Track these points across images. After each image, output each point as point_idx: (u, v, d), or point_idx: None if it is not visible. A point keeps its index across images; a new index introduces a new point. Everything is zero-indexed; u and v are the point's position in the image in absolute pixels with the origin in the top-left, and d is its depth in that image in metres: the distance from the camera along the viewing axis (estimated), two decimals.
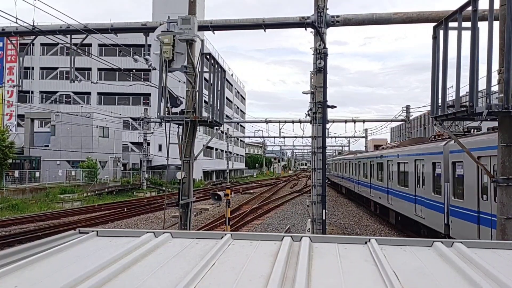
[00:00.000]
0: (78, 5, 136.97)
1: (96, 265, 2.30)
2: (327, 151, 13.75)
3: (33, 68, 57.17)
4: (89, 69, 53.38)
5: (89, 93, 57.62)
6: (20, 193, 30.85)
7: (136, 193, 41.08)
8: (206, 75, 10.70)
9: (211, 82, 10.47)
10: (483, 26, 7.20)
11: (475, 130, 13.13)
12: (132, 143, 54.50)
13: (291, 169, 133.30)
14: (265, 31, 12.12)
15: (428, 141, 15.97)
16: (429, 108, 14.12)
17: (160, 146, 51.08)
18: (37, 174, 37.17)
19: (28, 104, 48.14)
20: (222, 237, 2.90)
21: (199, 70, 10.13)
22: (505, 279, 2.10)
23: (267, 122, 40.20)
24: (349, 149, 64.11)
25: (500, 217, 7.01)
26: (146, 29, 12.44)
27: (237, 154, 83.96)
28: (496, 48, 6.81)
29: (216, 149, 68.15)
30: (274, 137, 50.63)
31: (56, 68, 57.77)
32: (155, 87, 11.38)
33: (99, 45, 47.74)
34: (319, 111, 11.81)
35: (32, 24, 12.43)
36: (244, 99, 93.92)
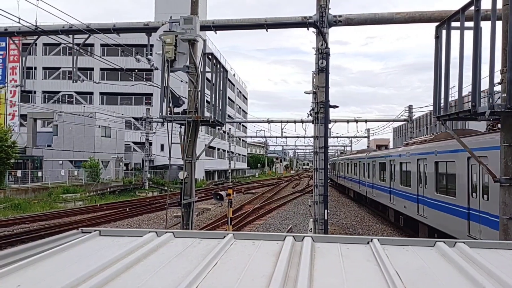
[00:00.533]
0: (79, 4, 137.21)
1: (98, 264, 2.31)
2: (329, 151, 13.74)
3: (35, 68, 57.31)
4: (92, 69, 53.51)
5: (91, 93, 57.74)
6: (23, 192, 30.93)
7: (138, 193, 41.15)
8: (208, 75, 10.71)
9: (213, 82, 10.48)
10: (485, 26, 7.19)
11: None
12: (134, 143, 54.59)
13: (293, 169, 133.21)
14: (267, 31, 12.12)
15: (485, 132, 11.30)
16: (431, 108, 14.07)
17: (162, 146, 51.14)
18: (39, 174, 37.26)
19: (31, 104, 48.23)
20: (224, 237, 2.91)
21: (201, 70, 10.14)
22: (507, 279, 2.10)
23: (269, 122, 40.21)
24: (351, 149, 64.01)
25: (502, 217, 7.00)
26: (148, 29, 12.46)
27: (239, 154, 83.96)
28: (498, 48, 6.80)
29: (218, 149, 68.18)
30: (276, 137, 50.61)
31: (58, 68, 57.93)
32: (157, 87, 11.39)
33: (102, 45, 47.83)
34: (321, 111, 11.80)
35: (34, 24, 12.46)
36: (246, 99, 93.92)
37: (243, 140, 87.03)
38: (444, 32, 7.89)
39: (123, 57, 44.04)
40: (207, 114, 10.62)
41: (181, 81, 17.34)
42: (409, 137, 34.04)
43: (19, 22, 12.10)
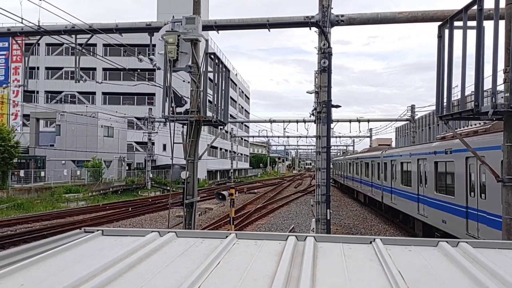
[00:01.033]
0: (81, 4, 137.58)
1: (101, 264, 2.31)
2: (331, 150, 13.70)
3: (38, 68, 57.45)
4: (94, 69, 53.58)
5: (94, 93, 57.83)
6: (26, 192, 31.03)
7: (140, 192, 41.21)
8: (211, 75, 10.72)
9: (216, 81, 10.48)
10: (488, 25, 7.17)
11: None
12: (137, 142, 54.67)
13: (296, 169, 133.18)
14: (269, 30, 12.13)
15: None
16: (434, 108, 13.99)
17: (164, 146, 51.18)
18: (42, 174, 37.34)
19: (34, 104, 48.41)
20: (226, 237, 2.91)
21: (204, 69, 10.14)
22: (511, 279, 2.09)
23: (271, 121, 40.21)
24: (353, 148, 63.95)
25: (505, 217, 6.97)
26: (150, 29, 12.49)
27: (241, 154, 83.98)
28: (501, 47, 6.78)
29: (221, 149, 68.20)
30: (278, 136, 50.64)
31: (61, 68, 58.04)
32: (160, 86, 11.40)
33: (104, 45, 47.89)
34: (323, 110, 11.80)
35: (37, 24, 12.50)
36: (248, 98, 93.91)
37: (245, 140, 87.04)
38: (446, 31, 7.88)
39: (125, 57, 44.11)
40: (209, 114, 10.63)
41: (184, 81, 17.34)
42: (412, 136, 33.96)
43: (21, 22, 12.13)
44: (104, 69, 54.75)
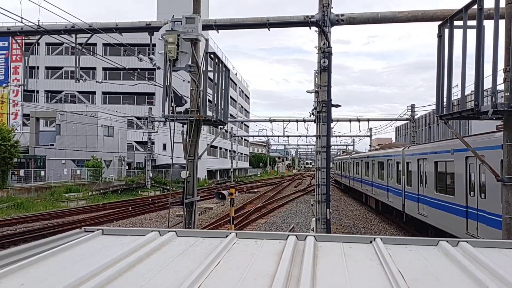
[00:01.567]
0: (81, 4, 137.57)
1: (101, 263, 2.31)
2: (331, 150, 13.70)
3: (38, 68, 57.44)
4: (94, 68, 53.59)
5: (94, 93, 57.83)
6: (26, 192, 31.03)
7: (140, 192, 41.22)
8: (211, 74, 10.71)
9: (216, 81, 10.48)
10: (488, 24, 7.17)
11: None
12: (137, 142, 54.68)
13: (295, 168, 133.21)
14: (269, 30, 12.12)
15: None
16: (434, 107, 13.98)
17: (164, 145, 51.19)
18: (42, 173, 37.33)
19: (34, 104, 48.41)
20: (227, 236, 2.91)
21: (204, 69, 10.14)
22: (511, 278, 2.09)
23: (271, 121, 40.19)
24: (353, 148, 63.98)
25: (506, 216, 6.98)
26: (150, 29, 12.48)
27: (241, 153, 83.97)
28: (502, 47, 6.78)
29: (220, 148, 68.20)
30: (278, 136, 50.63)
31: (61, 68, 58.03)
32: (160, 86, 11.40)
33: (104, 44, 47.88)
34: (323, 110, 11.79)
35: (37, 23, 12.49)
36: (248, 98, 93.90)
37: (245, 139, 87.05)
38: (446, 31, 7.88)
39: (125, 56, 44.12)
40: (209, 113, 10.63)
41: (183, 81, 17.34)
42: (412, 136, 33.99)
43: (21, 22, 12.12)
44: (104, 69, 54.74)
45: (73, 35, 13.43)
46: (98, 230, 3.13)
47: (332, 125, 16.43)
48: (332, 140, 14.70)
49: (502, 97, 7.08)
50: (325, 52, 11.52)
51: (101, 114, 43.46)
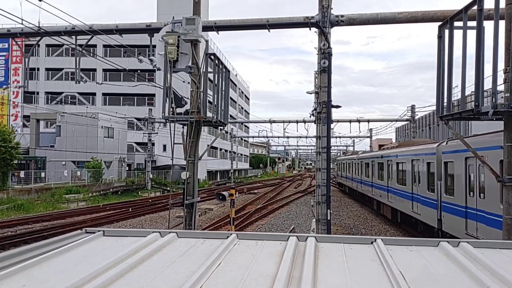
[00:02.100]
0: (81, 4, 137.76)
1: (102, 264, 2.32)
2: (331, 151, 13.70)
3: (38, 69, 57.45)
4: (94, 70, 53.60)
5: (94, 94, 57.87)
6: (26, 193, 31.03)
7: (140, 193, 41.22)
8: (211, 76, 10.73)
9: (216, 82, 10.49)
10: (488, 25, 7.18)
11: None
12: (137, 143, 54.69)
13: (296, 169, 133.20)
14: (269, 31, 12.14)
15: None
16: (434, 108, 13.95)
17: (164, 146, 51.19)
18: (42, 175, 37.35)
19: (34, 105, 48.39)
20: (227, 237, 2.91)
21: (204, 70, 10.15)
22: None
23: (271, 122, 40.22)
24: (353, 149, 63.93)
25: (506, 217, 6.98)
26: (150, 30, 12.50)
27: (241, 154, 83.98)
28: (502, 47, 6.79)
29: (220, 149, 68.20)
30: (278, 137, 50.62)
31: (61, 69, 58.07)
32: (160, 87, 11.41)
33: (104, 46, 47.83)
34: (323, 111, 11.80)
35: (37, 25, 12.50)
36: (248, 99, 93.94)
37: (245, 140, 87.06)
38: (446, 31, 7.89)
39: (125, 57, 44.13)
40: (209, 114, 10.63)
41: (184, 82, 17.35)
42: (412, 137, 34.00)
43: (22, 23, 12.14)
44: (104, 70, 54.77)
45: (74, 37, 13.45)
46: (99, 231, 3.14)
47: (332, 126, 16.32)
48: (332, 141, 14.70)
49: (502, 97, 7.09)
50: (325, 53, 11.53)
51: (101, 116, 43.49)
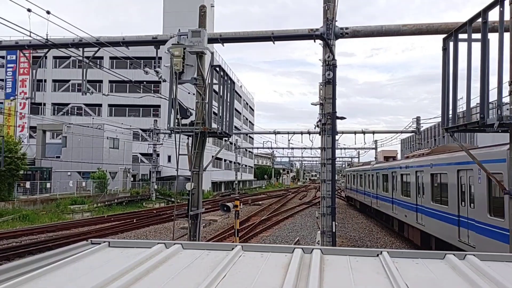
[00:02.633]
0: (88, 17, 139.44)
1: (108, 276, 2.32)
2: (336, 162, 13.67)
3: (45, 81, 58.05)
4: (101, 81, 54.09)
5: (100, 105, 58.28)
6: (31, 203, 31.11)
7: (145, 204, 41.22)
8: (216, 87, 10.78)
9: (221, 94, 10.55)
10: (493, 37, 7.19)
11: None
12: (142, 154, 54.86)
13: (300, 181, 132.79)
14: (274, 43, 12.22)
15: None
16: (439, 120, 13.90)
17: (169, 157, 51.30)
18: (48, 185, 37.50)
19: (40, 116, 48.79)
20: (232, 249, 2.91)
21: (209, 82, 10.21)
22: None
23: (275, 133, 40.24)
24: (358, 160, 63.72)
25: None
26: (157, 42, 12.60)
27: (246, 165, 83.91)
28: (507, 59, 6.79)
29: (225, 160, 68.22)
30: (283, 148, 50.64)
31: (68, 81, 58.62)
32: (165, 98, 11.48)
33: (111, 57, 48.36)
34: (328, 122, 11.81)
35: (45, 37, 12.66)
36: (252, 110, 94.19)
37: (249, 151, 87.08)
38: (451, 44, 7.91)
39: (131, 69, 44.52)
40: (214, 125, 10.66)
41: (189, 93, 17.45)
42: (417, 148, 33.87)
43: (30, 36, 12.29)
44: (111, 82, 55.23)
45: (81, 49, 13.59)
46: (104, 242, 3.14)
47: (337, 137, 16.08)
48: (337, 152, 14.65)
49: (507, 109, 7.08)
50: (329, 65, 11.57)
51: (107, 127, 43.75)
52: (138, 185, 48.21)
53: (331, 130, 11.81)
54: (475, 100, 7.99)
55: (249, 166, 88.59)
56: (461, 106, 19.29)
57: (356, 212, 33.72)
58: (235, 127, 54.03)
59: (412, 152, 22.41)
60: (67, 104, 57.72)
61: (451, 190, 12.62)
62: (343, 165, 73.24)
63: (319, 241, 12.01)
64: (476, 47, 7.15)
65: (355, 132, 36.85)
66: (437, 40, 9.23)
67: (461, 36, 7.81)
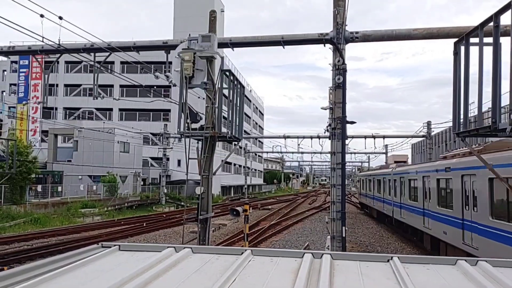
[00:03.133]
0: (98, 22, 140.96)
1: (118, 279, 2.33)
2: (346, 167, 13.60)
3: (57, 85, 58.75)
4: (112, 86, 54.59)
5: (111, 109, 58.79)
6: (43, 207, 31.41)
7: (155, 208, 41.36)
8: (226, 91, 10.81)
9: (231, 98, 10.58)
10: (505, 41, 7.11)
11: None
12: (152, 158, 55.16)
13: (310, 185, 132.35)
14: (284, 47, 12.23)
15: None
16: (450, 124, 13.77)
17: (179, 161, 51.52)
18: (59, 189, 37.85)
19: (52, 120, 49.33)
20: (242, 253, 2.90)
21: (219, 86, 10.25)
22: None
23: (285, 137, 40.16)
24: (368, 165, 63.36)
25: None
26: (167, 47, 12.70)
27: (255, 170, 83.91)
28: None
29: (234, 164, 68.29)
30: (293, 152, 50.65)
31: (79, 85, 59.28)
32: (175, 103, 11.54)
33: (122, 62, 48.83)
34: (338, 126, 11.76)
35: (57, 42, 12.82)
36: (262, 114, 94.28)
37: (259, 156, 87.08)
38: (462, 48, 7.84)
39: (142, 74, 44.86)
40: (224, 130, 10.69)
41: (199, 97, 17.52)
42: (428, 153, 33.54)
43: (42, 41, 12.46)
44: (121, 86, 55.73)
45: (92, 54, 13.74)
46: (115, 245, 3.16)
47: (347, 141, 15.99)
48: (347, 157, 14.58)
49: None
50: (339, 69, 11.54)
51: (118, 131, 44.09)
52: (148, 189, 48.43)
53: (341, 134, 11.76)
54: (487, 104, 7.91)
55: (258, 170, 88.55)
56: (473, 111, 19.12)
57: (367, 217, 33.46)
58: (245, 131, 54.14)
59: (449, 151, 18.14)
60: (78, 109, 58.35)
61: None
62: (353, 170, 72.83)
63: (328, 246, 11.95)
64: (488, 51, 7.09)
65: (365, 137, 36.62)
66: (448, 44, 9.17)
67: (472, 40, 7.74)
